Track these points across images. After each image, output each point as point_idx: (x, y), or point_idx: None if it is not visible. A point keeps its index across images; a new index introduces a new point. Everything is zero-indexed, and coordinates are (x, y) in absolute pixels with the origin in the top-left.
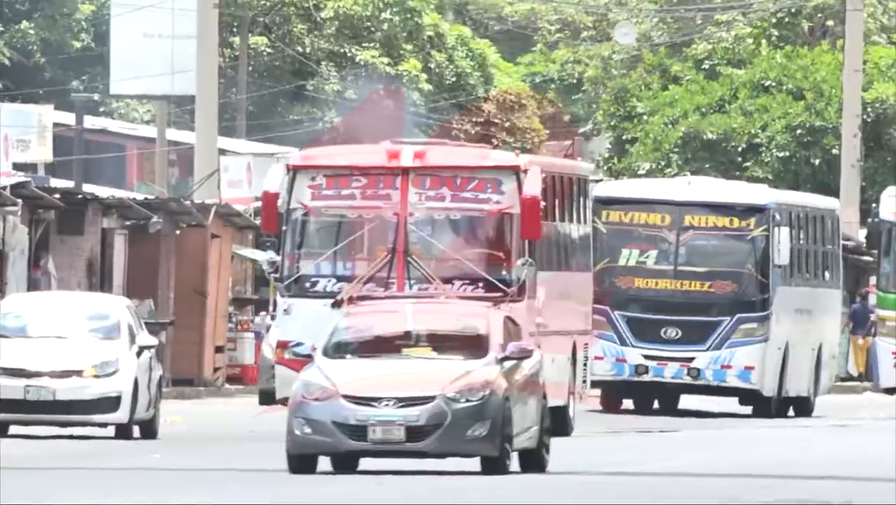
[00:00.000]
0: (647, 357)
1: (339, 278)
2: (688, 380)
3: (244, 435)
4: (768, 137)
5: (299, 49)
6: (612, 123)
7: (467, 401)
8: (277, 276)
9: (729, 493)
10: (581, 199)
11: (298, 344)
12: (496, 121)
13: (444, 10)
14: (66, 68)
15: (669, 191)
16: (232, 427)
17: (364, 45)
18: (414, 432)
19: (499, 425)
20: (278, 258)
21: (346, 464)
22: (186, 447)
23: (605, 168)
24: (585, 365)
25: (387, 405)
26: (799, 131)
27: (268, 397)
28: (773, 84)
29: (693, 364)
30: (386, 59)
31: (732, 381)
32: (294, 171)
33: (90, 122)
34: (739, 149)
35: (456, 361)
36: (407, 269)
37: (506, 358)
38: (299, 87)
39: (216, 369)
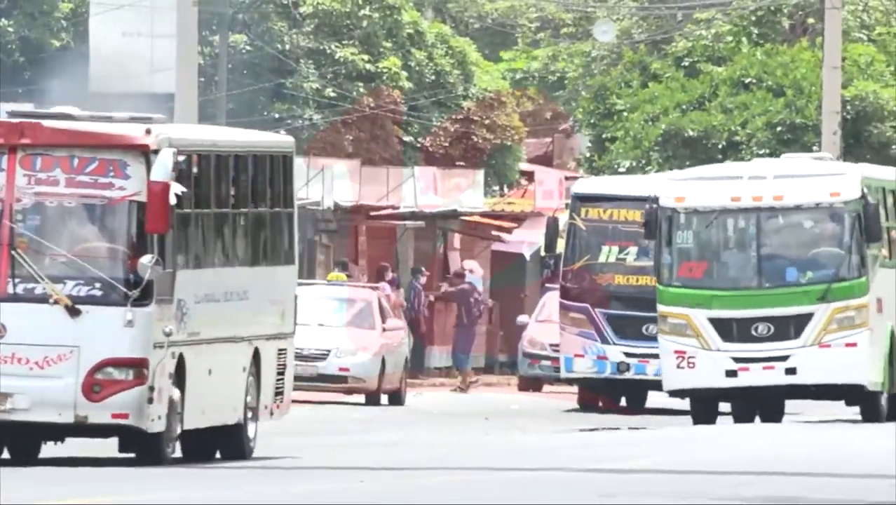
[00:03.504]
0: (628, 354)
1: None
2: None
3: None
4: (748, 135)
5: (278, 47)
6: (592, 121)
7: None
8: None
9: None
10: (277, 181)
11: None
12: (476, 118)
13: (424, 8)
14: (45, 67)
15: (648, 188)
16: None
17: (343, 42)
18: None
19: None
20: None
21: None
22: None
23: (587, 166)
24: (282, 374)
25: None
26: (779, 129)
27: None
28: (754, 81)
29: None
30: (365, 57)
31: None
32: None
33: None
34: (720, 146)
35: None
36: (11, 265)
37: None
38: (279, 86)
39: None
